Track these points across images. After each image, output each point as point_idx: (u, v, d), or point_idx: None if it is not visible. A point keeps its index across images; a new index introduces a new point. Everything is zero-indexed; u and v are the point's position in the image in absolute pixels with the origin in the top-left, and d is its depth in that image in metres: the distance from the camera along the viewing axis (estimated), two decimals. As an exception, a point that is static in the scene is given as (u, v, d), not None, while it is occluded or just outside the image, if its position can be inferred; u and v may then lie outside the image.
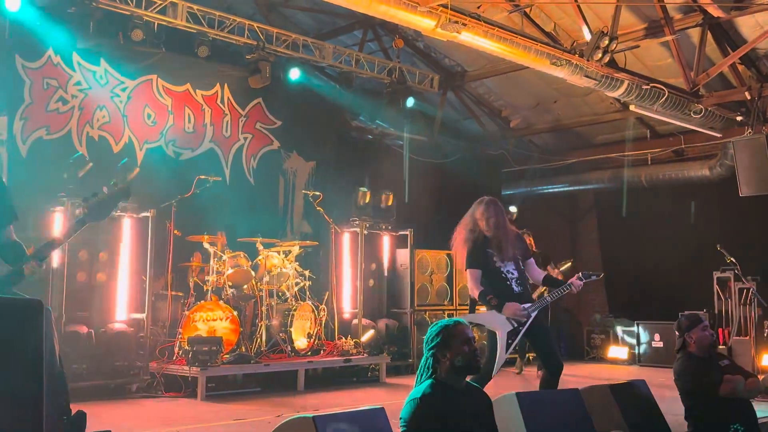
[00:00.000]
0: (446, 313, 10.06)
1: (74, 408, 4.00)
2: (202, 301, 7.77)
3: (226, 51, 9.20)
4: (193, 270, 8.26)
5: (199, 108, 9.15)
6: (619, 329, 11.20)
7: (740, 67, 9.25)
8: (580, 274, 5.47)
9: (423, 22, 6.91)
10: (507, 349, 5.10)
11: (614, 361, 11.02)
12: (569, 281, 5.30)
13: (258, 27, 8.88)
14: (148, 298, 7.57)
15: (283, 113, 9.88)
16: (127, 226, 7.70)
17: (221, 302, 7.75)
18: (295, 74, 9.36)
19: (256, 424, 5.95)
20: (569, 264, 6.61)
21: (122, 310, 7.63)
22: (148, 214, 7.64)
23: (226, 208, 8.70)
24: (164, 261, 7.91)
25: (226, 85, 9.35)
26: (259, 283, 8.19)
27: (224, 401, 7.11)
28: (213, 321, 7.61)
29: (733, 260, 6.62)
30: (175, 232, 7.97)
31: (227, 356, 7.44)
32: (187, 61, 8.83)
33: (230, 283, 7.95)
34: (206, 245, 8.01)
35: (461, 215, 5.51)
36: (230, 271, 7.95)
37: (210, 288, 7.88)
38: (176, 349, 7.58)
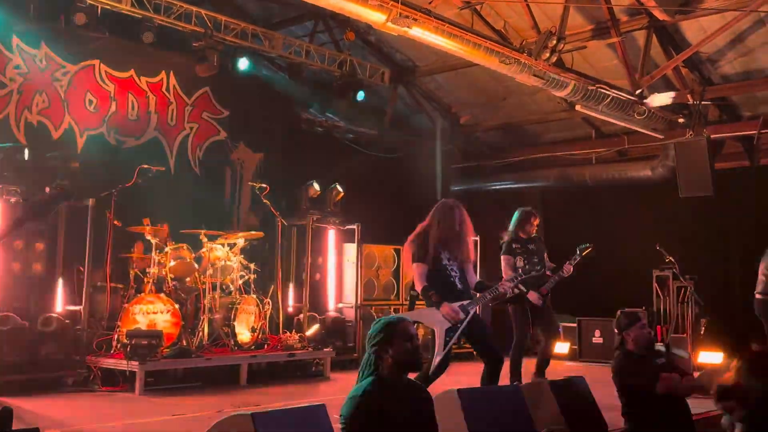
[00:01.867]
0: (392, 308, 10.08)
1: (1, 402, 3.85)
2: (143, 294, 7.60)
3: (172, 38, 8.98)
4: (134, 261, 8.06)
5: (144, 95, 8.93)
6: (560, 325, 11.37)
7: (684, 70, 9.46)
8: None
9: (374, 16, 6.86)
10: (445, 346, 5.15)
11: (556, 357, 11.19)
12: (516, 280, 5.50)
13: (206, 14, 8.69)
14: (86, 289, 7.36)
15: (231, 103, 9.72)
16: (65, 215, 7.46)
17: (162, 295, 7.59)
18: (243, 64, 9.21)
19: (196, 420, 5.83)
20: (589, 249, 6.87)
21: (59, 302, 7.41)
22: (87, 203, 7.42)
23: (169, 198, 8.51)
24: (103, 252, 7.70)
25: (171, 72, 9.15)
26: (202, 276, 8.05)
27: (163, 396, 6.97)
28: (153, 314, 7.45)
29: (672, 259, 6.79)
30: (115, 222, 7.76)
31: (167, 350, 7.30)
32: (132, 47, 8.60)
33: (172, 276, 7.80)
34: (148, 236, 7.83)
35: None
36: (172, 263, 7.79)
37: (151, 280, 7.70)
38: (114, 343, 7.40)
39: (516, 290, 6.56)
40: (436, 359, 5.15)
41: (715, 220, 10.39)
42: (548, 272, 7.03)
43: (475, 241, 11.31)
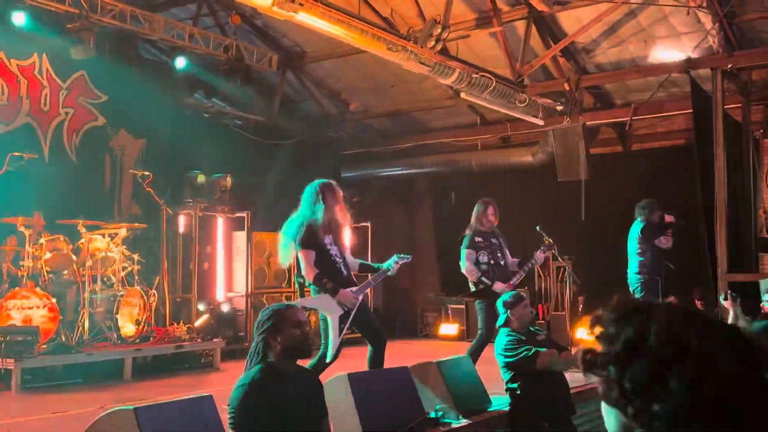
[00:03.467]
0: (284, 296, 10.03)
1: None
2: (17, 288, 7.19)
3: (45, 18, 8.48)
4: (7, 254, 7.60)
5: (14, 79, 8.40)
6: (449, 307, 11.69)
7: (561, 60, 9.87)
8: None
9: (259, 0, 6.75)
10: (339, 333, 5.15)
11: (445, 338, 11.49)
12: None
13: (81, -6, 8.26)
14: (-47, 285, 6.89)
15: (110, 87, 9.29)
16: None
17: (38, 289, 7.22)
18: (123, 46, 8.83)
19: (77, 417, 5.59)
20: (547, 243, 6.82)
21: None
22: (-47, 194, 6.95)
23: (44, 188, 8.07)
24: (-28, 245, 7.23)
25: (44, 54, 8.65)
26: (81, 268, 7.71)
27: (42, 394, 6.66)
28: (29, 309, 7.07)
29: (551, 241, 7.09)
30: (-15, 213, 7.30)
31: (45, 346, 6.96)
32: (1, 29, 8.05)
33: (48, 269, 7.42)
34: (21, 228, 7.40)
35: (299, 197, 5.48)
36: (48, 255, 7.41)
37: (25, 274, 7.30)
38: (-13, 341, 6.97)
39: (480, 284, 6.54)
40: (334, 347, 5.14)
41: (591, 203, 10.93)
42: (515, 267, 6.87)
43: (366, 227, 11.50)
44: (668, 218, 8.21)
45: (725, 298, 5.89)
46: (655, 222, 8.15)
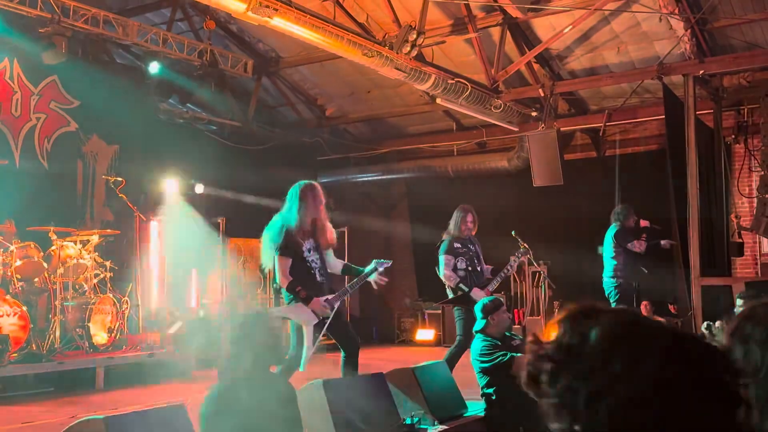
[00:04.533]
0: (259, 302, 9.95)
1: None
2: (-14, 296, 7.05)
3: (16, 23, 8.37)
4: (-24, 262, 7.46)
5: (-16, 83, 8.27)
6: (426, 312, 11.70)
7: (535, 66, 9.94)
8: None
9: (233, 5, 6.70)
10: (314, 342, 5.10)
11: (422, 344, 11.49)
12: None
13: (53, -1, 8.17)
14: None
15: (82, 92, 9.16)
16: None
17: (8, 297, 7.08)
18: (95, 51, 8.74)
19: (47, 427, 5.51)
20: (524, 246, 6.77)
21: None
22: None
23: (14, 194, 7.92)
24: (-60, 252, 7.09)
25: (15, 60, 8.52)
26: (52, 276, 7.59)
27: (12, 404, 6.52)
28: (-2, 317, 6.94)
29: (526, 246, 7.10)
30: (-46, 220, 7.16)
31: (15, 355, 6.83)
32: (-30, 32, 7.94)
33: (19, 276, 7.29)
34: (-9, 235, 7.28)
35: (276, 203, 5.43)
36: (18, 262, 7.28)
37: (-5, 281, 7.17)
38: (-46, 350, 6.83)
39: (459, 290, 6.50)
40: (308, 355, 5.09)
41: (565, 208, 11.00)
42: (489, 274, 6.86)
43: (342, 232, 11.46)
44: (643, 223, 8.30)
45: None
46: (630, 226, 8.23)
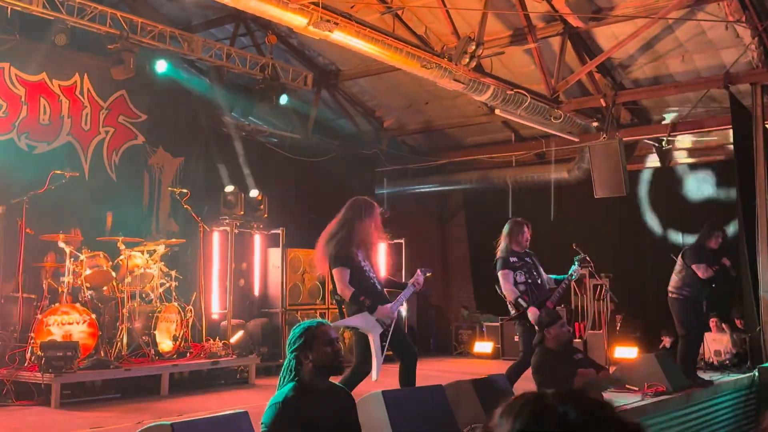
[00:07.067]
0: (318, 312, 10.05)
1: None
2: (57, 304, 7.32)
3: (86, 40, 8.71)
4: (47, 271, 7.76)
5: (56, 99, 8.62)
6: (484, 325, 11.61)
7: (597, 76, 9.80)
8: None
9: (295, 20, 6.83)
10: (382, 352, 5.13)
11: (480, 356, 11.40)
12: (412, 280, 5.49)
13: (121, 16, 8.45)
14: (-4, 301, 7.04)
15: (149, 107, 9.47)
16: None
17: (78, 305, 7.34)
18: (161, 66, 9.01)
19: (114, 432, 5.69)
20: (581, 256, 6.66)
21: (-32, 315, 7.06)
22: (-3, 210, 7.12)
23: (84, 205, 8.24)
24: (15, 261, 7.39)
25: (86, 75, 8.85)
26: (120, 285, 7.82)
27: (81, 409, 6.73)
28: (68, 325, 7.19)
29: (587, 258, 6.96)
30: (27, 230, 7.46)
31: (84, 361, 7.06)
32: (44, 49, 8.26)
33: (88, 285, 7.54)
34: (61, 244, 7.55)
35: (334, 214, 5.51)
36: (88, 271, 7.53)
37: (65, 290, 7.43)
38: (28, 355, 7.10)
39: (518, 306, 6.35)
40: (378, 366, 5.12)
41: (628, 219, 10.78)
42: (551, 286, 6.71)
43: (399, 244, 11.49)
44: (725, 261, 7.60)
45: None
46: (707, 246, 7.63)
